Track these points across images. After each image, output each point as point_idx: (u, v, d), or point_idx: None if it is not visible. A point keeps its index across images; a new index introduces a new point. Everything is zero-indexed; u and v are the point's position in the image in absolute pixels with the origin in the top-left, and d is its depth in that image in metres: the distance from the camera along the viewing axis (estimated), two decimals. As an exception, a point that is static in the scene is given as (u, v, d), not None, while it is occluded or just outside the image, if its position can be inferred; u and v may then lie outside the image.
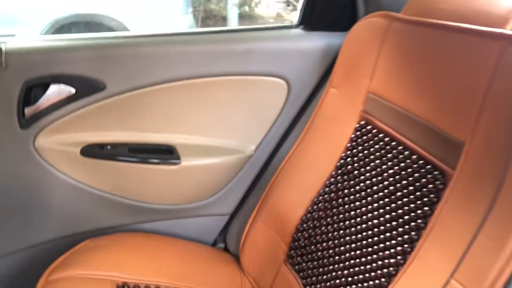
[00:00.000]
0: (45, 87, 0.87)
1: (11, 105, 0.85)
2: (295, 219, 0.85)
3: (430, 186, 0.63)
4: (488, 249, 0.51)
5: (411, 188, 0.66)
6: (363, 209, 0.73)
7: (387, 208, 0.69)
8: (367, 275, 0.68)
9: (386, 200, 0.69)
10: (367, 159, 0.75)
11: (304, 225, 0.83)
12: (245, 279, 0.95)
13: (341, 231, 0.76)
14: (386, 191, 0.70)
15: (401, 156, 0.69)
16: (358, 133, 0.79)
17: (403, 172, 0.68)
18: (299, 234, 0.83)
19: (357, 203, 0.74)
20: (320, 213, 0.81)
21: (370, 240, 0.70)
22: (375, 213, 0.71)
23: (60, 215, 0.96)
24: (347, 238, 0.74)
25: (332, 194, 0.80)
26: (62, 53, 0.87)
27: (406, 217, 0.65)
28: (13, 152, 0.89)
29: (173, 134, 0.96)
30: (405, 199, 0.66)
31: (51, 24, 3.27)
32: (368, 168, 0.75)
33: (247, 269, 0.95)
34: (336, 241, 0.76)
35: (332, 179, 0.81)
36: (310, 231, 0.81)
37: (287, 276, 0.84)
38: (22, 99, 0.86)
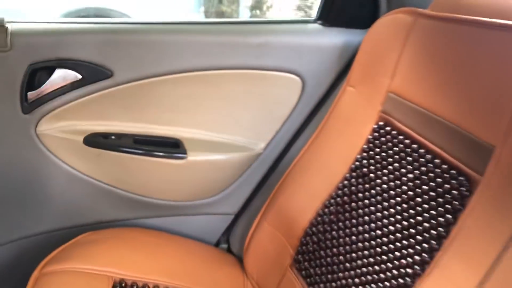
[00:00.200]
0: (50, 71, 0.84)
1: (14, 88, 0.82)
2: (304, 222, 0.80)
3: (454, 192, 0.58)
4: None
5: (432, 193, 0.61)
6: (379, 214, 0.69)
7: (405, 214, 0.64)
8: (380, 284, 0.64)
9: (405, 205, 0.65)
10: (384, 162, 0.71)
11: (314, 228, 0.78)
12: (247, 282, 0.90)
13: (354, 237, 0.72)
14: (404, 196, 0.66)
15: (422, 159, 0.65)
16: (376, 134, 0.75)
17: (424, 177, 0.63)
18: (308, 238, 0.79)
19: (372, 208, 0.70)
20: (332, 216, 0.76)
21: (385, 247, 0.66)
22: (392, 219, 0.66)
23: (58, 206, 0.93)
24: (360, 244, 0.70)
25: (345, 198, 0.75)
26: (70, 36, 0.83)
27: (426, 224, 0.60)
28: (13, 137, 0.85)
29: (181, 128, 0.92)
30: (425, 206, 0.62)
31: (64, 16, 3.27)
32: (385, 171, 0.71)
33: (251, 271, 0.91)
34: (347, 247, 0.72)
35: (346, 182, 0.76)
36: (319, 235, 0.77)
37: (293, 281, 0.79)
38: (26, 82, 0.83)
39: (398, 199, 0.66)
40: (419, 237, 0.61)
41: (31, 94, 0.83)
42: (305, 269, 0.78)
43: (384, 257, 0.65)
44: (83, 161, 0.90)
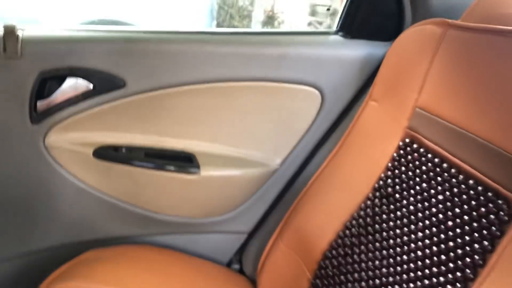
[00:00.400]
0: (61, 80, 0.81)
1: (23, 97, 0.79)
2: (323, 244, 0.76)
3: (492, 216, 0.54)
4: None
5: (466, 218, 0.56)
6: (405, 238, 0.64)
7: (435, 239, 0.59)
8: (408, 315, 0.59)
9: (434, 230, 0.60)
10: (411, 182, 0.67)
11: (334, 251, 0.74)
12: (261, 306, 0.86)
13: (377, 262, 0.67)
14: (434, 219, 0.61)
15: (454, 180, 0.60)
16: (401, 151, 0.70)
17: (457, 199, 0.59)
18: (327, 262, 0.74)
19: (398, 231, 0.65)
20: (353, 239, 0.72)
21: (412, 275, 0.61)
22: (420, 244, 0.61)
23: (66, 220, 0.89)
24: (384, 270, 0.65)
25: (368, 219, 0.71)
26: (82, 45, 0.80)
27: (460, 251, 0.56)
28: (21, 148, 0.82)
29: (194, 141, 0.88)
30: (458, 231, 0.57)
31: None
32: (412, 192, 0.66)
33: (264, 295, 0.86)
34: (370, 273, 0.67)
35: (369, 202, 0.72)
36: (340, 259, 0.72)
37: (310, 308, 0.75)
38: (36, 91, 0.80)
39: (427, 222, 0.62)
40: (451, 265, 0.56)
41: (41, 104, 0.81)
42: (324, 295, 0.73)
43: (411, 285, 0.60)
44: (92, 174, 0.86)
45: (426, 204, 0.63)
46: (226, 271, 0.97)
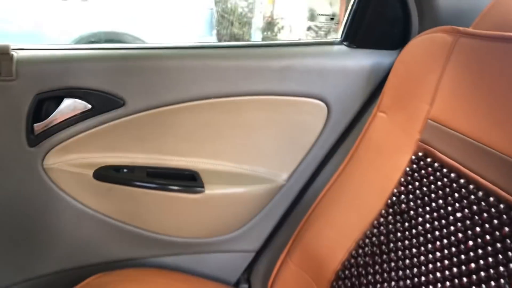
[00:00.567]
0: (58, 101, 0.78)
1: (19, 119, 0.77)
2: (335, 263, 0.72)
3: (516, 237, 0.51)
4: None
5: (488, 237, 0.53)
6: (422, 258, 0.61)
7: (455, 260, 0.56)
8: None
9: (454, 250, 0.57)
10: (426, 198, 0.63)
11: (347, 272, 0.70)
12: (271, 328, 0.82)
13: (393, 283, 0.63)
14: (453, 238, 0.58)
15: (473, 197, 0.57)
16: (414, 165, 0.67)
17: (477, 217, 0.55)
18: (340, 282, 0.71)
19: (414, 251, 0.62)
20: (367, 258, 0.68)
21: (431, 297, 0.58)
22: (438, 264, 0.58)
23: (67, 245, 0.86)
24: (401, 292, 0.62)
25: (382, 237, 0.68)
26: (79, 64, 0.78)
27: (483, 273, 0.52)
28: (19, 172, 0.79)
29: (197, 159, 0.85)
30: (480, 251, 0.54)
31: (76, 41, 3.27)
32: (428, 208, 0.63)
33: (275, 316, 0.83)
34: (386, 295, 0.64)
35: (382, 219, 0.69)
36: (353, 279, 0.69)
37: (324, 331, 0.71)
38: (32, 113, 0.77)
39: (445, 241, 0.58)
40: (474, 288, 0.53)
41: (38, 126, 0.78)
42: (338, 318, 0.70)
43: (431, 309, 0.57)
44: (93, 197, 0.83)
45: (444, 222, 0.60)
46: (234, 291, 0.94)
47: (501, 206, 0.53)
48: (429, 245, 0.60)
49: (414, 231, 0.63)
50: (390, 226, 0.67)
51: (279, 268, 0.83)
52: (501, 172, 0.55)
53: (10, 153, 0.78)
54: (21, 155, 0.78)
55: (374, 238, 0.69)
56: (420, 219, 0.63)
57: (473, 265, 0.54)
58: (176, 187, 0.83)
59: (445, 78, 0.66)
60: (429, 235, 0.61)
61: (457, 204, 0.59)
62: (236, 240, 0.91)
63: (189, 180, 0.84)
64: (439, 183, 0.62)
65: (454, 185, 0.60)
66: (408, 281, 0.61)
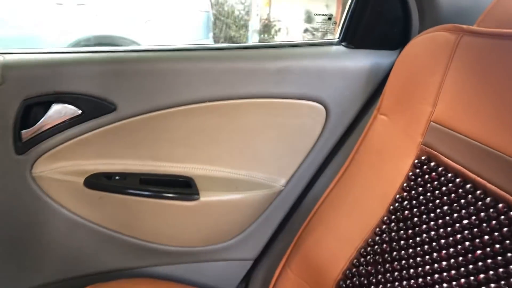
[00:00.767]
0: (47, 107, 0.75)
1: (6, 126, 0.74)
2: (335, 272, 0.70)
3: (528, 246, 0.48)
4: None
5: (498, 246, 0.50)
6: (427, 268, 0.58)
7: (462, 270, 0.53)
8: None
9: (461, 259, 0.54)
10: (430, 204, 0.61)
11: (348, 281, 0.68)
12: None
13: (397, 293, 0.61)
14: (459, 247, 0.55)
15: (480, 203, 0.54)
16: (417, 170, 0.64)
17: (485, 225, 0.53)
18: (341, 292, 0.68)
19: (419, 259, 0.59)
20: (369, 268, 0.66)
21: (438, 309, 0.55)
22: (445, 274, 0.55)
23: (58, 255, 0.83)
24: (406, 303, 0.59)
25: (384, 245, 0.65)
26: (68, 68, 0.75)
27: (492, 285, 0.50)
28: (6, 181, 0.77)
29: (192, 164, 0.82)
30: (489, 261, 0.51)
31: (72, 46, 3.24)
32: (432, 215, 0.60)
33: (274, 327, 0.80)
34: (390, 306, 0.61)
35: (384, 226, 0.66)
36: (355, 289, 0.66)
37: None
38: (20, 119, 0.74)
39: (452, 250, 0.56)
40: (483, 300, 0.50)
41: (26, 133, 0.75)
42: (340, 330, 0.67)
43: (438, 321, 0.54)
44: (85, 205, 0.80)
45: (449, 229, 0.57)
46: (232, 300, 0.91)
47: (511, 213, 0.50)
48: (435, 254, 0.58)
49: (418, 239, 0.61)
50: (393, 233, 0.64)
51: (277, 277, 0.81)
52: (509, 176, 0.52)
53: None
54: (9, 163, 0.75)
55: (376, 246, 0.66)
56: (424, 226, 0.60)
57: (482, 276, 0.51)
58: (170, 195, 0.80)
59: (448, 78, 0.64)
60: (434, 243, 0.58)
61: (463, 211, 0.56)
62: (233, 248, 0.88)
63: (183, 187, 0.81)
64: (444, 188, 0.60)
65: (460, 190, 0.57)
66: (412, 292, 0.59)
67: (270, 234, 0.89)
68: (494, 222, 0.52)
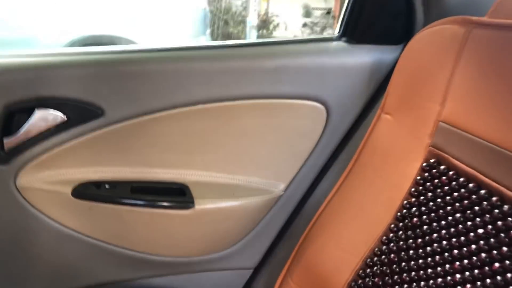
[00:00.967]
0: (30, 113, 0.71)
1: (-14, 135, 0.69)
2: (340, 284, 0.65)
3: (552, 259, 0.43)
4: None
5: (517, 258, 0.46)
6: (439, 280, 0.54)
7: (479, 284, 0.49)
8: None
9: (477, 272, 0.50)
10: (441, 211, 0.56)
11: (354, 294, 0.63)
12: None
13: (407, 308, 0.56)
14: (475, 258, 0.50)
15: (497, 211, 0.50)
16: (426, 174, 0.60)
17: (503, 235, 0.48)
18: (347, 306, 0.64)
19: (430, 271, 0.55)
20: (376, 279, 0.61)
21: (452, 327, 0.50)
22: (459, 288, 0.51)
23: (48, 270, 0.79)
24: (417, 319, 0.54)
25: (392, 255, 0.60)
26: (52, 71, 0.71)
27: (513, 301, 0.45)
28: None
29: (186, 170, 0.78)
30: (508, 275, 0.47)
31: (69, 45, 3.20)
32: (443, 223, 0.56)
33: None
34: (400, 321, 0.57)
35: (391, 235, 0.61)
36: (362, 303, 0.62)
37: None
38: (1, 127, 0.70)
39: (466, 261, 0.51)
40: (503, 318, 0.46)
41: (8, 141, 0.71)
42: None
43: None
44: (74, 216, 0.76)
45: (463, 239, 0.53)
46: (232, 312, 0.87)
47: (532, 222, 0.46)
48: (447, 266, 0.53)
49: (428, 248, 0.56)
50: (401, 242, 0.60)
51: (278, 287, 0.76)
52: (529, 181, 0.48)
53: None
54: None
55: (383, 256, 0.61)
56: (435, 235, 0.56)
57: (500, 290, 0.47)
58: (163, 203, 0.75)
59: (457, 74, 0.59)
60: (446, 254, 0.54)
61: (478, 219, 0.51)
62: (231, 257, 0.84)
63: (177, 194, 0.77)
64: (456, 194, 0.55)
65: (474, 196, 0.53)
66: (424, 306, 0.54)
67: (270, 242, 0.85)
68: (513, 232, 0.47)
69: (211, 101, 0.75)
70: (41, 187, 0.74)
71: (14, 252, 0.77)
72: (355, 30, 0.78)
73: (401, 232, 0.61)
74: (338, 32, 0.81)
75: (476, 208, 0.52)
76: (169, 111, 0.74)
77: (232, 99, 0.75)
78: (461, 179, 0.55)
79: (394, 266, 0.60)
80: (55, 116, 0.71)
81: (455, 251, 0.53)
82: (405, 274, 0.58)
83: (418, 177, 0.61)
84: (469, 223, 0.52)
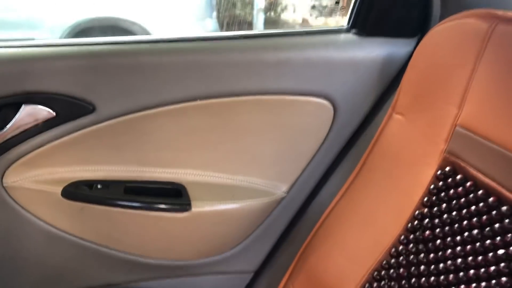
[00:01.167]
0: (16, 108, 0.66)
1: (-30, 132, 0.65)
2: (345, 296, 0.61)
3: None
4: None
5: (543, 286, 0.42)
6: (453, 301, 0.49)
7: (498, 309, 0.45)
8: None
9: (496, 296, 0.45)
10: (457, 225, 0.52)
11: (359, 309, 0.59)
12: None
13: (417, 328, 0.52)
14: (494, 282, 0.46)
15: (521, 230, 0.45)
16: (440, 183, 0.55)
17: (526, 258, 0.44)
18: (352, 322, 0.60)
19: (443, 291, 0.51)
20: (383, 295, 0.57)
21: None
22: (475, 312, 0.47)
23: (38, 272, 0.76)
24: None
25: (401, 270, 0.56)
26: (39, 63, 0.66)
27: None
28: None
29: (182, 170, 0.74)
30: (532, 304, 0.42)
31: (72, 27, 3.15)
32: (459, 238, 0.51)
33: None
34: None
35: (401, 247, 0.57)
36: (368, 320, 0.58)
37: None
38: (-14, 124, 0.66)
39: (484, 284, 0.47)
40: None
41: (-7, 139, 0.67)
42: None
43: None
44: (64, 217, 0.73)
45: (481, 258, 0.48)
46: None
47: (561, 247, 0.41)
48: (462, 286, 0.49)
49: (441, 265, 0.52)
50: (412, 256, 0.55)
51: (280, 293, 0.73)
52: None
53: None
54: None
55: (391, 270, 0.57)
56: (449, 251, 0.51)
57: (522, 319, 0.42)
58: (159, 206, 0.71)
59: (478, 74, 0.54)
60: (461, 274, 0.49)
61: (498, 238, 0.47)
62: (231, 260, 0.80)
63: (173, 195, 0.73)
64: (474, 207, 0.50)
65: (494, 212, 0.48)
66: (435, 328, 0.50)
67: (271, 246, 0.81)
68: (538, 256, 0.43)
69: (209, 97, 0.70)
70: (29, 187, 0.70)
71: (3, 254, 0.73)
72: (366, 21, 0.72)
73: (411, 245, 0.56)
74: (348, 23, 0.75)
75: (497, 225, 0.47)
76: (165, 107, 0.70)
77: (232, 95, 0.70)
78: (480, 192, 0.50)
79: (404, 281, 0.55)
80: (43, 112, 0.67)
81: (472, 271, 0.48)
82: (415, 292, 0.54)
83: (432, 186, 0.56)
84: (488, 241, 0.48)
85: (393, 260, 0.57)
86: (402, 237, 0.57)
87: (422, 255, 0.54)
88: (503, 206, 0.47)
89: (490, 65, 0.52)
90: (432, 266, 0.53)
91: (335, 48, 0.72)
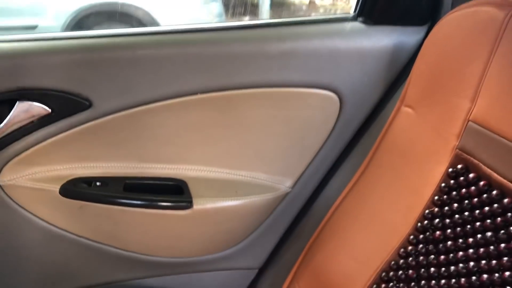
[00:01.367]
0: (11, 105, 0.64)
1: (-36, 130, 0.63)
2: (351, 297, 0.59)
3: None
4: None
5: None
6: (465, 305, 0.47)
7: (512, 317, 0.42)
8: None
9: (511, 302, 0.43)
10: (469, 226, 0.49)
11: (367, 311, 0.57)
12: None
13: (426, 333, 0.50)
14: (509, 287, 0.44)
15: (537, 234, 0.42)
16: (452, 181, 0.52)
17: (545, 264, 0.41)
18: (359, 324, 0.58)
19: (455, 295, 0.48)
20: (392, 297, 0.55)
21: None
22: (487, 318, 0.45)
23: (38, 272, 0.75)
24: None
25: (410, 271, 0.54)
26: (33, 59, 0.64)
27: None
28: None
29: (184, 165, 0.72)
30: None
31: (76, 13, 3.11)
32: (472, 240, 0.48)
33: None
34: None
35: (410, 247, 0.55)
36: (376, 322, 0.56)
37: None
38: (-20, 121, 0.64)
39: (498, 289, 0.44)
40: None
41: (-12, 137, 0.65)
42: None
43: None
44: (63, 215, 0.71)
45: (494, 262, 0.45)
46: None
47: None
48: (474, 291, 0.46)
49: (452, 268, 0.49)
50: (421, 257, 0.53)
51: (285, 291, 0.71)
52: None
53: None
54: None
55: (400, 271, 0.55)
56: (461, 253, 0.49)
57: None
58: (159, 203, 0.69)
59: (493, 66, 0.51)
60: (474, 278, 0.47)
61: (513, 241, 0.44)
62: (235, 256, 0.79)
63: (175, 192, 0.71)
64: (487, 208, 0.48)
65: (509, 214, 0.45)
66: (446, 333, 0.48)
67: (276, 242, 0.80)
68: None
69: (210, 90, 0.68)
70: (26, 185, 0.68)
71: (1, 254, 0.72)
72: (373, 8, 0.69)
73: (421, 245, 0.54)
74: (354, 11, 0.71)
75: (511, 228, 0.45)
76: (164, 102, 0.67)
77: (234, 88, 0.68)
78: (494, 192, 0.47)
79: (413, 284, 0.53)
80: (38, 108, 0.65)
81: (485, 276, 0.46)
82: (425, 295, 0.52)
83: (443, 184, 0.53)
84: (502, 245, 0.45)
85: (401, 261, 0.55)
86: (412, 237, 0.55)
87: (432, 256, 0.52)
88: (519, 208, 0.45)
89: (506, 56, 0.49)
90: (443, 269, 0.51)
91: (341, 38, 0.69)
